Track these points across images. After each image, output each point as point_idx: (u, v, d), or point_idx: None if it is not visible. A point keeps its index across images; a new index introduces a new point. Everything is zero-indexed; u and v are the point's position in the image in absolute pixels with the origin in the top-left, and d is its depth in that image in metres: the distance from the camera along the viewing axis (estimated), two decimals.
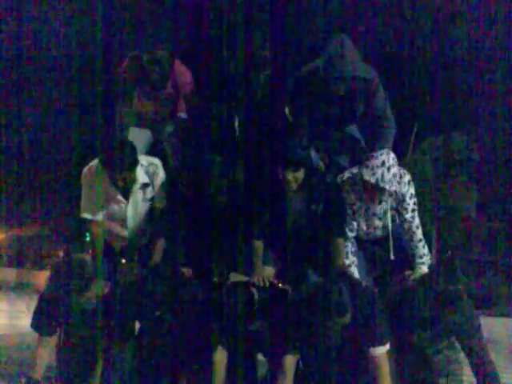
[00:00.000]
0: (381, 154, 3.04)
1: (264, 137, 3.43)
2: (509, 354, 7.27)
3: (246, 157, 3.38)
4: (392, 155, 3.07)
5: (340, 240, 3.08)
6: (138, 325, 3.07)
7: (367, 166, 3.01)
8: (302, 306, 2.68)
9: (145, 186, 3.19)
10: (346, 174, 3.22)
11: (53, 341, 3.02)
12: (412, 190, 3.18)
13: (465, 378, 3.07)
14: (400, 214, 3.19)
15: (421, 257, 3.15)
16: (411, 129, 16.05)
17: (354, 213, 3.17)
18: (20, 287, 9.86)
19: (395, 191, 3.07)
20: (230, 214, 3.15)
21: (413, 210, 3.17)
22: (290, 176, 2.98)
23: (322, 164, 3.41)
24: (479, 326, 2.87)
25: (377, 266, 3.33)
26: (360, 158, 3.30)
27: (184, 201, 3.19)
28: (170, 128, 3.63)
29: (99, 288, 2.92)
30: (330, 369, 2.78)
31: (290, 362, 2.69)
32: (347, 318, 2.54)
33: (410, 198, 3.16)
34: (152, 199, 3.21)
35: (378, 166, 2.98)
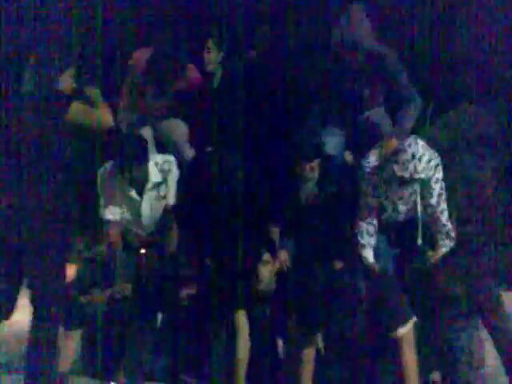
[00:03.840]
0: (409, 146, 2.96)
1: (279, 128, 3.42)
2: None
3: (261, 147, 3.37)
4: (420, 143, 3.00)
5: (355, 223, 3.08)
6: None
7: (397, 162, 2.94)
8: (317, 292, 2.72)
9: (158, 184, 3.23)
10: (368, 165, 3.08)
11: (77, 334, 3.08)
12: (438, 175, 3.06)
13: (487, 357, 3.06)
14: (424, 198, 3.09)
15: (443, 239, 3.07)
16: (427, 104, 15.84)
17: (376, 197, 3.11)
18: None
19: (424, 177, 3.01)
20: (247, 203, 3.17)
21: (439, 195, 3.06)
22: (305, 166, 3.01)
23: (349, 156, 3.36)
24: (502, 303, 2.86)
25: (399, 246, 3.31)
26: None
27: (200, 193, 3.21)
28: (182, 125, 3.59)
29: (119, 285, 3.04)
30: (352, 352, 2.81)
31: (309, 348, 2.74)
32: (362, 306, 2.57)
33: (436, 183, 3.06)
34: (165, 196, 3.25)
35: (408, 161, 2.93)
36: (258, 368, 3.01)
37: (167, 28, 3.70)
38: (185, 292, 2.96)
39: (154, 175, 3.22)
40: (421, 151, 2.95)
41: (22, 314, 2.59)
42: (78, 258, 3.39)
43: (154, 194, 3.24)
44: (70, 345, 3.04)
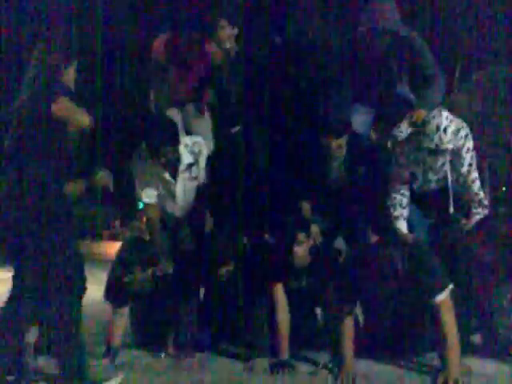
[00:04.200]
0: (433, 117, 2.98)
1: (307, 105, 3.43)
2: None
3: (289, 125, 3.40)
4: (445, 114, 3.01)
5: (387, 197, 3.10)
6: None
7: (423, 133, 2.97)
8: (353, 264, 2.77)
9: (190, 165, 3.29)
10: (401, 135, 3.08)
11: (126, 310, 3.21)
12: (469, 144, 3.08)
13: None
14: (455, 168, 3.12)
15: (476, 207, 3.09)
16: (455, 65, 15.48)
17: (407, 167, 3.15)
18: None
19: (452, 147, 3.03)
20: (277, 181, 3.24)
21: (469, 165, 3.09)
22: (333, 143, 3.04)
23: (374, 133, 3.38)
24: None
25: (432, 216, 3.33)
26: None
27: (231, 173, 3.29)
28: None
29: (162, 264, 3.13)
30: (392, 321, 2.86)
31: (348, 315, 2.80)
32: (398, 277, 2.60)
33: (467, 153, 3.08)
34: (198, 177, 3.31)
35: (433, 132, 2.96)
36: (299, 337, 3.08)
37: (179, 11, 3.72)
38: (224, 269, 3.03)
39: (186, 157, 3.28)
40: (445, 122, 2.97)
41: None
42: (120, 239, 3.51)
43: (186, 175, 3.30)
44: (120, 321, 3.17)
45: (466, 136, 3.08)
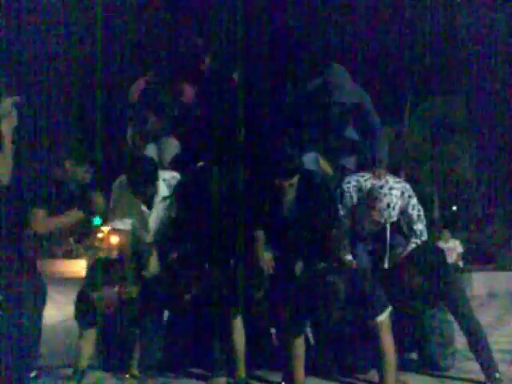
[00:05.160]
0: (384, 195, 3.37)
1: (261, 148, 3.77)
2: (509, 307, 7.70)
3: (246, 165, 3.71)
4: (394, 193, 3.41)
5: (334, 231, 3.46)
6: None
7: (374, 208, 3.37)
8: (304, 288, 3.03)
9: (165, 198, 3.53)
10: (350, 187, 3.56)
11: (93, 332, 3.31)
12: (413, 202, 3.55)
13: (455, 335, 3.40)
14: (403, 219, 3.58)
15: (416, 238, 3.56)
16: (406, 95, 16.32)
17: (356, 215, 3.56)
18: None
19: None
20: (234, 212, 3.50)
21: (418, 216, 3.56)
22: (285, 183, 3.34)
23: (327, 168, 3.78)
24: (463, 289, 3.21)
25: (374, 246, 3.70)
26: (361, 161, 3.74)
27: (195, 206, 3.52)
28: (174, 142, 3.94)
29: (128, 288, 3.29)
30: (338, 340, 3.15)
31: (299, 335, 3.04)
32: (336, 300, 2.87)
33: (413, 209, 3.55)
34: (171, 208, 3.55)
35: (384, 209, 3.35)
36: (255, 357, 3.32)
37: (158, 60, 4.03)
38: (187, 295, 3.22)
39: (163, 190, 3.53)
40: (394, 200, 3.38)
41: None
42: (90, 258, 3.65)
43: (161, 206, 3.55)
44: (87, 342, 3.29)
45: (410, 196, 3.56)
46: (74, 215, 3.34)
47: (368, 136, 3.83)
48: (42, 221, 3.16)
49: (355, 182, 3.58)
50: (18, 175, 3.08)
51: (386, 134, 3.95)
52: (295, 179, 3.37)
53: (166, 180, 3.56)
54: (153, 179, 3.42)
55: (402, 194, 3.51)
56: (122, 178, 3.55)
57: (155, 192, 3.49)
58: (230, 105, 3.81)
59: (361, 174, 3.67)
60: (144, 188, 3.40)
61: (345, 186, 3.57)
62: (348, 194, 3.55)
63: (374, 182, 3.53)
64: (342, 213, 3.55)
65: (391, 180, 3.58)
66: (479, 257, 13.31)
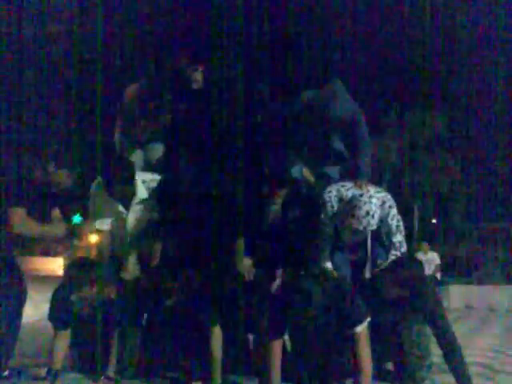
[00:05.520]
0: (364, 203, 3.40)
1: (251, 157, 3.79)
2: (485, 320, 7.81)
3: (234, 172, 3.71)
4: (374, 201, 3.44)
5: (317, 240, 3.48)
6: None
7: (353, 216, 3.39)
8: (282, 295, 3.05)
9: (144, 200, 3.52)
10: (332, 197, 3.58)
11: (68, 332, 3.29)
12: (393, 212, 3.59)
13: (432, 347, 3.40)
14: (382, 229, 3.58)
15: (396, 250, 3.58)
16: (390, 107, 16.53)
17: (336, 224, 3.57)
18: None
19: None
20: (217, 220, 3.51)
21: (396, 226, 3.60)
22: (274, 193, 3.39)
23: (310, 177, 3.81)
24: (441, 302, 3.26)
25: (354, 253, 3.72)
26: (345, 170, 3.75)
27: (178, 209, 3.53)
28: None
29: (107, 287, 3.27)
30: (315, 349, 3.15)
31: (276, 343, 3.04)
32: (314, 308, 2.89)
33: (392, 219, 3.59)
34: (152, 210, 3.54)
35: (363, 216, 3.38)
36: (231, 363, 3.31)
37: (151, 66, 4.04)
38: (167, 299, 3.21)
39: (142, 192, 3.51)
40: (373, 209, 3.41)
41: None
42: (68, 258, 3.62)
43: (140, 208, 3.52)
44: (62, 343, 3.27)
45: (390, 206, 3.59)
46: (56, 229, 3.31)
47: (353, 146, 3.87)
48: (19, 220, 3.12)
49: (336, 192, 3.60)
50: None
51: (371, 146, 4.00)
52: (284, 190, 3.40)
53: (146, 182, 3.55)
54: (128, 179, 3.41)
55: (383, 203, 3.54)
56: (100, 179, 3.54)
57: (133, 193, 3.47)
58: (222, 114, 3.83)
59: (342, 183, 3.70)
60: (120, 188, 3.40)
61: (326, 196, 3.60)
62: (329, 204, 3.57)
63: (356, 191, 3.55)
64: (323, 222, 3.57)
65: (372, 190, 3.62)
66: (456, 270, 13.49)
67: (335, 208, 3.56)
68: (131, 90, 4.01)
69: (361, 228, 3.41)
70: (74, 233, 3.37)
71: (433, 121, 15.71)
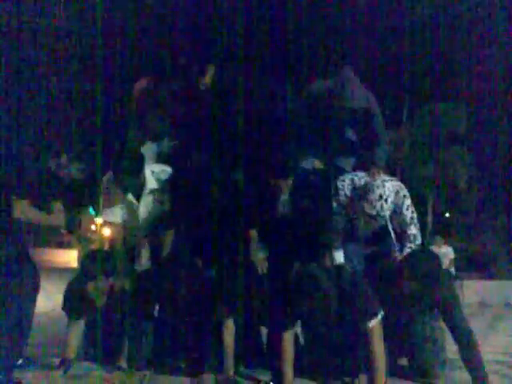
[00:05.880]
0: (377, 187, 3.35)
1: (258, 147, 3.76)
2: (500, 316, 7.72)
3: (243, 164, 3.71)
4: (387, 185, 3.38)
5: (328, 231, 3.44)
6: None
7: (366, 200, 3.33)
8: (290, 288, 3.00)
9: (154, 190, 3.52)
10: (345, 186, 3.52)
11: (81, 322, 3.32)
12: (407, 202, 3.51)
13: (447, 344, 3.39)
14: (397, 221, 3.53)
15: (410, 242, 3.52)
16: (405, 99, 16.38)
17: (349, 213, 3.51)
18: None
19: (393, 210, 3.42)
20: (229, 211, 3.50)
21: (411, 218, 3.52)
22: (280, 183, 3.33)
23: (318, 163, 3.76)
24: (458, 297, 3.20)
25: (368, 246, 3.68)
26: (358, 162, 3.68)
27: (189, 201, 3.52)
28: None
29: (120, 280, 3.28)
30: (328, 343, 3.13)
31: (288, 336, 3.03)
32: (325, 301, 2.86)
33: (407, 210, 3.51)
34: (163, 201, 3.54)
35: (376, 200, 3.32)
36: (244, 355, 3.30)
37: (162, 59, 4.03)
38: (179, 292, 3.18)
39: (151, 183, 3.52)
40: (387, 193, 3.35)
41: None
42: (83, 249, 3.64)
43: (149, 198, 3.53)
44: (75, 333, 3.29)
45: (405, 196, 3.51)
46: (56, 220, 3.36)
47: (369, 134, 3.79)
48: (22, 211, 3.17)
49: (349, 181, 3.55)
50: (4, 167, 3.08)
51: (387, 135, 3.92)
52: (290, 179, 3.34)
53: (155, 172, 3.55)
54: (138, 171, 3.42)
55: (397, 192, 3.47)
56: (111, 173, 3.58)
57: (143, 184, 3.47)
58: (229, 106, 3.80)
59: (356, 173, 3.65)
60: (129, 178, 3.41)
61: (339, 184, 3.55)
62: (342, 192, 3.51)
63: (369, 179, 3.50)
64: (335, 210, 3.51)
65: (386, 178, 3.55)
66: (471, 265, 13.36)
67: (348, 196, 3.49)
68: (141, 83, 4.01)
69: (374, 213, 3.35)
70: (71, 225, 3.40)
71: (452, 113, 15.52)
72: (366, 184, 3.43)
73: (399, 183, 3.59)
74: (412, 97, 15.59)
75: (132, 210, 3.56)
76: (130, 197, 3.53)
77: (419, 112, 15.90)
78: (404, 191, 3.53)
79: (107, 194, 3.61)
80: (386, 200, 3.35)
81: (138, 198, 3.53)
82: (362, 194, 3.38)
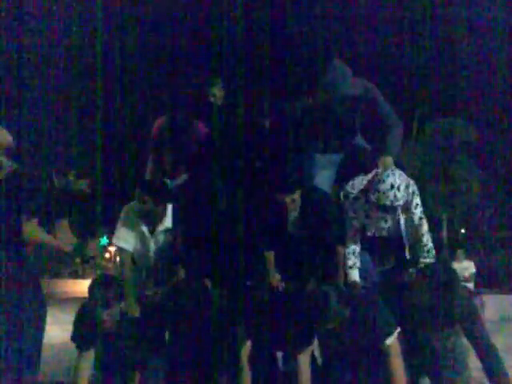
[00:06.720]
0: (387, 176, 3.20)
1: (263, 164, 3.73)
2: None
3: (249, 183, 3.66)
4: (397, 173, 3.25)
5: (340, 248, 3.35)
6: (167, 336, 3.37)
7: (378, 191, 3.18)
8: (302, 309, 2.94)
9: (168, 230, 3.53)
10: (355, 188, 3.40)
11: (92, 353, 3.23)
12: (416, 200, 3.35)
13: (470, 362, 3.27)
14: (407, 221, 3.38)
15: (425, 257, 3.36)
16: (413, 113, 16.34)
17: (359, 220, 3.40)
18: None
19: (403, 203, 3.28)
20: (242, 232, 3.47)
21: (420, 218, 3.36)
22: (285, 198, 3.27)
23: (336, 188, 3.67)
24: (478, 311, 3.09)
25: (384, 263, 3.57)
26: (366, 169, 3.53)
27: (201, 224, 3.51)
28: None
29: (133, 305, 3.21)
30: (345, 363, 3.03)
31: (305, 357, 2.96)
32: (336, 321, 2.78)
33: (416, 208, 3.35)
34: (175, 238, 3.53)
35: (388, 190, 3.16)
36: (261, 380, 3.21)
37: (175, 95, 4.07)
38: (192, 318, 3.13)
39: (167, 221, 3.53)
40: (398, 181, 3.20)
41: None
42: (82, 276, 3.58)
43: (162, 236, 3.55)
44: (85, 364, 3.21)
45: (413, 193, 3.35)
46: (63, 244, 3.30)
47: (377, 124, 3.63)
48: (32, 231, 3.12)
49: (358, 183, 3.43)
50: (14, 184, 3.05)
51: (399, 124, 3.65)
52: (296, 195, 3.29)
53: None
54: (163, 198, 3.45)
55: (407, 187, 3.30)
56: (133, 202, 3.57)
57: (163, 217, 3.49)
58: (234, 124, 3.81)
59: (363, 175, 3.51)
60: (153, 208, 3.41)
61: (348, 187, 3.44)
62: (352, 195, 3.40)
63: (379, 170, 3.36)
64: (347, 216, 3.42)
65: (396, 169, 3.38)
66: (490, 280, 13.10)
67: (359, 198, 3.37)
68: (158, 122, 4.07)
69: (388, 203, 3.17)
70: (78, 250, 3.36)
71: (459, 129, 15.44)
72: (376, 174, 3.30)
73: (409, 178, 3.41)
74: (422, 111, 15.55)
75: (144, 243, 3.57)
76: (144, 229, 3.53)
77: (429, 127, 15.84)
78: (413, 187, 3.36)
79: (122, 222, 3.59)
80: (398, 188, 3.17)
81: (152, 231, 3.55)
82: (372, 186, 3.24)
